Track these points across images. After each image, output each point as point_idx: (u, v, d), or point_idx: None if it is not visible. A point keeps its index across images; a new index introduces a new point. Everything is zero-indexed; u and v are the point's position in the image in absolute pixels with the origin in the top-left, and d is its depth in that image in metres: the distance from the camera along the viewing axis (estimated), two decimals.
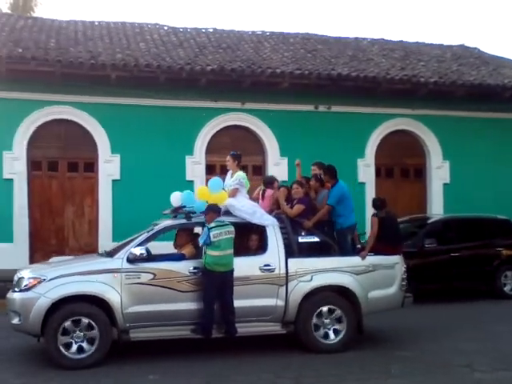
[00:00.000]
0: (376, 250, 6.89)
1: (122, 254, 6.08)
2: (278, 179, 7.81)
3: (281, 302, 6.27)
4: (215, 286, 6.03)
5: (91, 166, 11.38)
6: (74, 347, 5.81)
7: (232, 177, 7.11)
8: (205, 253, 6.12)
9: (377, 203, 7.73)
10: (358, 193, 12.19)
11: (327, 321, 6.36)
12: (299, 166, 8.04)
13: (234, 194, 6.76)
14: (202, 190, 6.87)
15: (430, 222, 10.58)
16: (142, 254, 6.00)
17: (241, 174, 7.05)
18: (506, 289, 10.01)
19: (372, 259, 6.70)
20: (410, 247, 9.62)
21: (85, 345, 5.83)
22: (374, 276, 6.60)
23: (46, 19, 13.76)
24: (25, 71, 10.33)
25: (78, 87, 10.66)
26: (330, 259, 6.61)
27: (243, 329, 6.20)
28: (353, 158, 12.36)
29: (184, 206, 6.61)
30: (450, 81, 12.31)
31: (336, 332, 6.37)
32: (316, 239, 6.71)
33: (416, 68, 13.06)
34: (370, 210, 12.14)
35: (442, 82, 12.18)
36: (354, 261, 6.64)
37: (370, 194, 12.39)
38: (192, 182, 11.45)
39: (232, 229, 6.20)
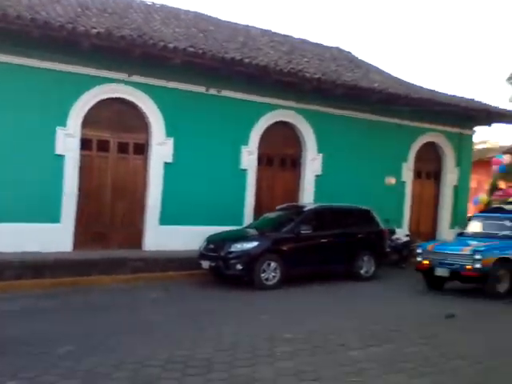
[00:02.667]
0: None
1: None
2: None
3: None
4: None
5: None
6: None
7: None
8: None
9: None
10: (240, 178, 11.88)
11: None
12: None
13: None
14: None
15: (306, 209, 10.57)
16: None
17: None
18: (362, 271, 10.48)
19: None
20: (289, 233, 9.65)
21: None
22: None
23: None
24: None
25: None
26: None
27: None
28: (237, 145, 11.83)
29: None
30: (331, 79, 12.32)
31: None
32: None
33: (301, 63, 12.83)
34: (250, 196, 11.97)
35: (324, 79, 12.11)
36: None
37: (251, 180, 12.07)
38: (63, 156, 9.90)
39: None
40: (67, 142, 9.90)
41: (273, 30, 14.88)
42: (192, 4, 49.83)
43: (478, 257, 8.51)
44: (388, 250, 11.44)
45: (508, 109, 14.99)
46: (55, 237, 9.68)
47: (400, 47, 53.55)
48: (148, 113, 10.72)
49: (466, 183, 15.69)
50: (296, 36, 15.32)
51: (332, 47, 16.01)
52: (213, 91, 11.31)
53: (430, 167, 15.30)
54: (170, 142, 10.88)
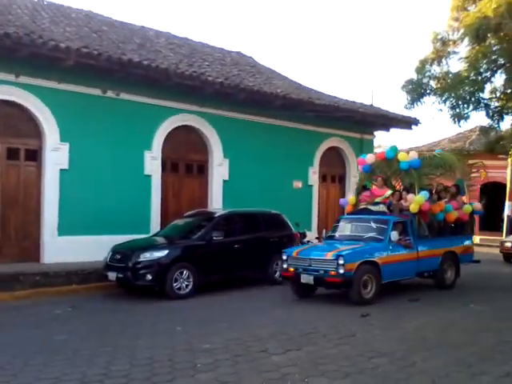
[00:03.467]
0: None
1: None
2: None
3: None
4: None
5: None
6: None
7: None
8: None
9: None
10: (144, 184, 11.57)
11: None
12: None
13: None
14: None
15: (216, 215, 10.52)
16: None
17: None
18: (277, 275, 10.63)
19: None
20: (200, 240, 9.53)
21: None
22: None
23: None
24: None
25: None
26: None
27: None
28: (140, 150, 11.50)
29: None
30: (234, 84, 12.46)
31: None
32: None
33: (202, 67, 12.87)
34: (156, 203, 11.67)
35: (227, 83, 12.22)
36: None
37: (156, 187, 11.79)
38: None
39: None
40: None
41: (170, 32, 14.75)
42: (81, 2, 47.74)
43: (340, 262, 8.11)
44: None
45: (404, 115, 16.15)
46: None
47: (297, 52, 56.04)
48: (39, 116, 10.07)
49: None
50: (195, 39, 15.35)
51: (233, 52, 16.28)
52: (111, 94, 10.91)
53: (334, 171, 16.04)
54: (66, 147, 10.30)
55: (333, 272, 8.18)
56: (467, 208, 10.59)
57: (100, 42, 11.15)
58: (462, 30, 12.97)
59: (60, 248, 10.06)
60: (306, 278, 8.49)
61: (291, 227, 11.32)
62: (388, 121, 16.26)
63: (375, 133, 17.03)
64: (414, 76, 13.36)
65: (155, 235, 10.48)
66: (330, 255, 8.34)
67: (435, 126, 57.20)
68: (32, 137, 10.14)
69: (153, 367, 5.04)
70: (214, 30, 48.55)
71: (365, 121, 15.60)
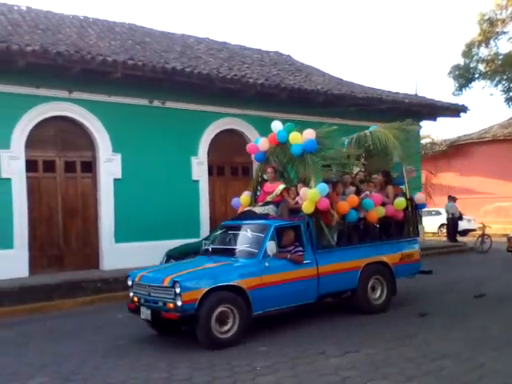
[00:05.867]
0: None
1: None
2: None
3: None
4: None
5: None
6: None
7: None
8: None
9: None
10: (193, 189, 12.45)
11: None
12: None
13: None
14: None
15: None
16: None
17: None
18: None
19: None
20: None
21: None
22: None
23: None
24: None
25: None
26: None
27: None
28: (187, 156, 12.41)
29: None
30: (275, 84, 13.19)
31: None
32: None
33: (242, 69, 13.66)
34: (204, 205, 12.53)
35: (268, 84, 12.97)
36: None
37: (204, 191, 12.65)
38: (9, 180, 10.14)
39: None
40: (12, 164, 10.17)
41: (209, 38, 15.65)
42: (124, 16, 49.85)
43: (177, 290, 6.09)
44: None
45: (451, 102, 16.33)
46: (9, 263, 9.82)
47: (336, 47, 56.20)
48: (92, 129, 11.14)
49: (418, 180, 16.97)
50: (233, 43, 16.18)
51: (271, 52, 17.00)
52: (157, 103, 11.86)
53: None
54: (118, 157, 11.31)
55: (170, 304, 6.18)
56: (399, 202, 8.19)
57: (144, 53, 12.14)
58: (510, 8, 13.03)
59: (117, 255, 11.01)
60: (145, 313, 6.56)
61: None
62: (434, 110, 16.52)
63: (421, 123, 17.30)
64: (461, 61, 13.51)
65: (206, 239, 11.25)
66: (167, 281, 6.28)
67: (485, 111, 55.89)
68: (86, 149, 11.25)
69: (212, 371, 5.41)
70: (250, 32, 49.54)
71: (410, 111, 15.88)
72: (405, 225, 8.47)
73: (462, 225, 19.60)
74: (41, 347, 6.71)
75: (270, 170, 8.22)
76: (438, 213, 22.14)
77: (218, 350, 6.12)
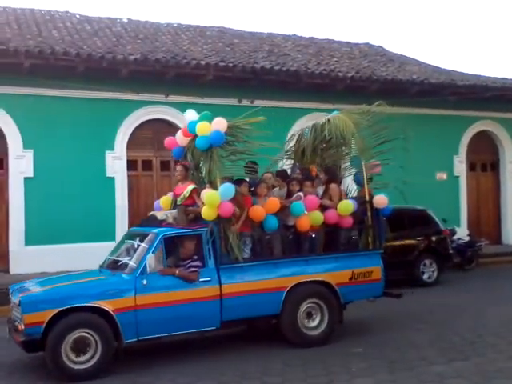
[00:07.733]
0: None
1: None
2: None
3: None
4: None
5: (0, 163, 11.03)
6: None
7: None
8: None
9: None
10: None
11: None
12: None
13: None
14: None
15: None
16: None
17: None
18: (425, 277, 11.01)
19: None
20: None
21: None
22: None
23: None
24: None
25: None
26: None
27: None
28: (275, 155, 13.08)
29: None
30: (365, 76, 13.47)
31: None
32: None
33: (330, 63, 14.14)
34: None
35: (358, 76, 13.31)
36: None
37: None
38: (113, 178, 11.53)
39: None
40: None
41: (296, 34, 16.29)
42: (214, 19, 52.27)
43: (19, 311, 5.53)
44: None
45: None
46: None
47: (430, 33, 54.11)
48: None
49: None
50: (320, 37, 16.66)
51: (360, 44, 17.25)
52: (246, 102, 12.72)
53: (485, 158, 15.98)
54: None
55: (19, 326, 5.59)
56: (345, 206, 6.84)
57: (233, 55, 13.11)
58: None
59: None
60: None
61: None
62: None
63: None
64: None
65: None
66: (18, 299, 5.67)
67: None
68: None
69: (305, 368, 5.62)
70: (339, 25, 49.44)
71: None
72: (361, 235, 7.18)
73: None
74: None
75: (179, 167, 7.07)
76: None
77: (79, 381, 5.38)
